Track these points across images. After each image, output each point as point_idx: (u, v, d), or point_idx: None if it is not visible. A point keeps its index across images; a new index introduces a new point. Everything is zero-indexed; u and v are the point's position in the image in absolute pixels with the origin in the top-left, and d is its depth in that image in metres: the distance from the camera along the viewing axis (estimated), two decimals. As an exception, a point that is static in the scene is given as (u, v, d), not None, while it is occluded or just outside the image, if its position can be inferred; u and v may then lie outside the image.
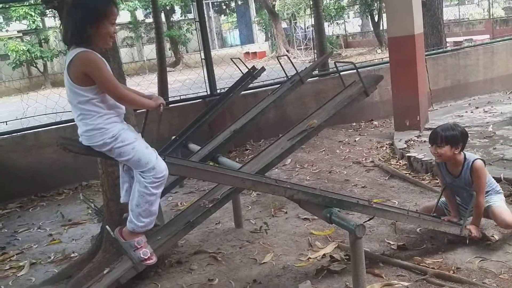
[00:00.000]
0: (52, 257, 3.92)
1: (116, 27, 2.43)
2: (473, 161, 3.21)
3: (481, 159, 3.25)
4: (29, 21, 21.26)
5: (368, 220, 3.26)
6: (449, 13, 21.69)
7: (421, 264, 3.05)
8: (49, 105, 6.83)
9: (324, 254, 3.36)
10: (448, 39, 10.68)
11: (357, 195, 4.23)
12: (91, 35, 2.23)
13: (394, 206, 3.16)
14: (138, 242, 2.47)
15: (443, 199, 3.48)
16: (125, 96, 2.27)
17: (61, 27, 2.30)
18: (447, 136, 3.17)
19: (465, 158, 3.26)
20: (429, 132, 5.93)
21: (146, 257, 2.47)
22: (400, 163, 5.27)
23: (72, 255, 3.89)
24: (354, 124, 7.44)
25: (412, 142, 5.69)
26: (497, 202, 3.27)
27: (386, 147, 5.99)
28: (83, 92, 2.23)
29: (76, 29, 2.22)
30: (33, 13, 20.83)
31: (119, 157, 2.33)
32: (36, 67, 22.54)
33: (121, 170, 2.59)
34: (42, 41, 22.63)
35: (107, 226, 2.67)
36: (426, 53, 6.71)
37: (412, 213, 3.15)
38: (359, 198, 3.13)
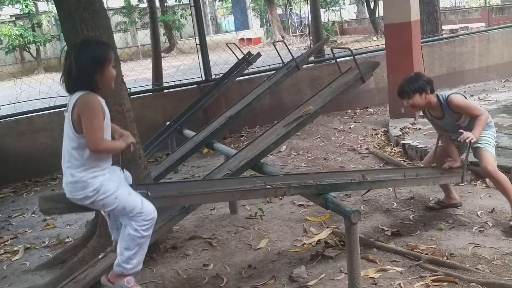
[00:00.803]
0: (47, 242, 3.91)
1: (110, 12, 2.42)
2: (447, 98, 3.27)
3: (456, 92, 3.32)
4: (22, 6, 20.99)
5: (366, 193, 3.26)
6: (445, 0, 21.60)
7: (415, 250, 3.07)
8: (43, 90, 6.78)
9: (318, 240, 3.37)
10: (444, 27, 10.67)
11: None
12: (97, 81, 2.25)
13: (387, 176, 3.13)
14: (127, 282, 2.41)
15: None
16: (101, 150, 2.23)
17: (62, 74, 2.27)
18: (412, 86, 3.26)
19: (438, 98, 3.32)
20: (424, 120, 5.96)
21: None
22: (395, 150, 5.28)
23: (67, 240, 3.89)
24: (350, 111, 7.44)
25: (407, 129, 5.70)
26: (487, 145, 3.28)
27: (381, 134, 6.00)
28: (76, 139, 2.23)
29: (82, 77, 2.23)
30: (25, -3, 20.58)
31: (103, 208, 2.32)
32: (29, 52, 22.30)
33: (105, 214, 2.57)
34: (35, 25, 22.37)
35: (102, 211, 2.66)
36: (422, 40, 6.70)
37: (408, 176, 3.14)
38: (353, 172, 3.14)
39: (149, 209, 2.33)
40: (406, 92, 3.28)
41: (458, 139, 3.18)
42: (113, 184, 2.29)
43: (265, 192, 2.68)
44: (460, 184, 4.03)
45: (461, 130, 3.17)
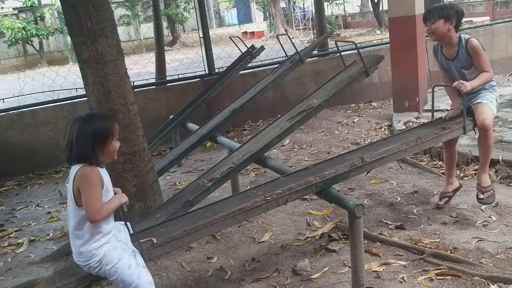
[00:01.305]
0: (51, 235, 3.93)
1: (113, 5, 2.39)
2: (468, 39, 3.19)
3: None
4: (24, -2, 21.01)
5: (367, 174, 3.19)
6: (449, -6, 21.47)
7: (419, 244, 3.07)
8: (46, 82, 6.78)
9: (322, 234, 3.38)
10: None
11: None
12: (99, 155, 2.24)
13: (387, 149, 2.95)
14: None
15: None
16: (101, 218, 2.21)
17: (65, 147, 2.25)
18: (440, 11, 3.16)
19: (460, 37, 3.22)
20: (428, 114, 5.94)
21: None
22: (398, 144, 5.26)
23: (71, 232, 3.90)
24: (353, 105, 7.42)
25: (410, 123, 5.68)
26: (489, 103, 3.22)
27: (385, 128, 5.98)
28: (77, 211, 2.22)
29: (84, 153, 2.20)
30: (28, -10, 20.57)
31: (107, 277, 2.34)
32: (31, 45, 22.32)
33: None
34: (38, 18, 22.36)
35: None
36: (426, 34, 6.66)
37: (409, 143, 3.01)
38: (351, 153, 3.08)
39: (145, 283, 2.33)
40: (431, 14, 3.16)
41: (454, 85, 3.15)
42: (115, 255, 2.30)
43: (267, 205, 2.60)
44: (464, 178, 4.03)
45: (456, 82, 3.14)
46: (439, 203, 3.61)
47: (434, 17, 3.16)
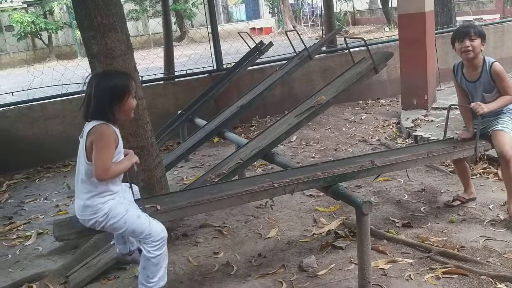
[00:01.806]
0: (59, 228, 3.95)
1: (122, 0, 2.40)
2: (493, 62, 3.16)
3: None
4: (34, -8, 21.09)
5: (375, 178, 3.21)
6: (459, -9, 21.33)
7: (426, 242, 3.06)
8: (55, 76, 6.81)
9: (329, 230, 3.37)
10: (458, 18, 10.54)
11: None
12: (115, 113, 2.28)
13: (398, 157, 3.01)
14: None
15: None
16: (107, 178, 2.25)
17: (82, 102, 2.30)
18: (479, 30, 3.14)
19: (484, 59, 3.20)
20: (436, 112, 5.94)
21: None
22: (406, 142, 5.25)
23: (79, 226, 3.93)
24: (361, 102, 7.40)
25: (419, 121, 5.66)
26: (508, 130, 3.18)
27: (393, 125, 5.96)
28: (88, 166, 2.26)
29: (101, 109, 2.25)
30: (37, -16, 20.65)
31: (113, 231, 2.36)
32: (40, 39, 22.41)
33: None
34: (47, 12, 22.44)
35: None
36: (436, 31, 6.62)
37: (420, 155, 3.05)
38: (362, 157, 3.10)
39: (157, 230, 2.35)
40: (472, 32, 3.12)
41: (469, 106, 3.15)
42: (122, 208, 2.33)
43: (274, 191, 2.64)
44: (472, 176, 4.01)
45: (473, 103, 3.12)
46: (453, 203, 3.59)
47: (475, 34, 3.12)
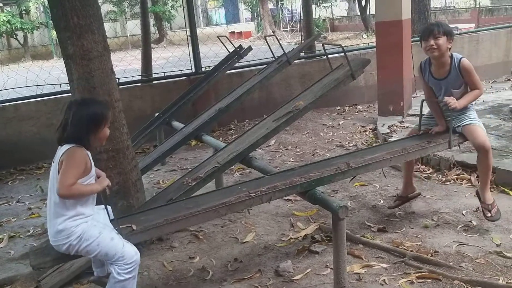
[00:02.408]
0: (31, 231, 3.87)
1: (100, 1, 2.42)
2: (461, 58, 3.20)
3: None
4: (10, -9, 20.70)
5: (351, 180, 3.23)
6: (436, 0, 21.76)
7: (400, 247, 3.10)
8: (30, 77, 6.68)
9: (305, 235, 3.39)
10: (434, 27, 10.70)
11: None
12: (91, 139, 2.32)
13: (373, 157, 3.02)
14: None
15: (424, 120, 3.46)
16: (69, 195, 2.23)
17: (58, 126, 2.32)
18: (444, 28, 3.17)
19: (451, 56, 3.23)
20: (412, 118, 6.02)
21: None
22: (382, 147, 5.30)
23: (52, 229, 3.85)
24: (339, 107, 7.46)
25: (395, 127, 5.74)
26: (477, 122, 3.24)
27: (369, 131, 6.03)
28: None
29: (78, 134, 2.27)
30: (14, -17, 20.28)
31: (87, 254, 2.34)
32: (16, 38, 21.99)
33: None
34: (23, 12, 22.04)
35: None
36: (412, 39, 6.73)
37: (394, 153, 3.06)
38: (338, 158, 3.11)
39: (130, 253, 2.33)
40: (437, 29, 3.14)
41: (442, 101, 3.19)
42: (95, 230, 2.31)
43: (251, 201, 2.62)
44: (446, 182, 4.08)
45: (446, 97, 3.16)
46: (394, 204, 3.69)
47: (440, 32, 3.14)
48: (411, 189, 3.68)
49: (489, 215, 3.24)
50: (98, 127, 2.33)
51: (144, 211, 2.65)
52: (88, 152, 2.33)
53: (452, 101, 3.09)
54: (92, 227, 2.31)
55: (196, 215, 2.50)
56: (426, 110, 3.50)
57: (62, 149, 2.28)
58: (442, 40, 3.15)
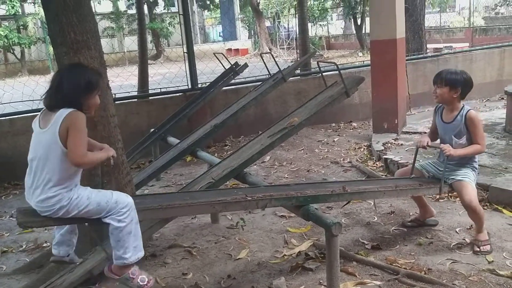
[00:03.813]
0: (24, 246, 3.85)
1: (97, 17, 2.48)
2: (469, 110, 3.24)
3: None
4: (8, 6, 20.76)
5: (346, 204, 3.29)
6: (430, 19, 22.02)
7: (394, 264, 3.10)
8: (26, 92, 6.69)
9: (299, 252, 3.38)
10: (428, 45, 10.84)
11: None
12: (82, 104, 2.33)
13: (367, 187, 3.14)
14: (132, 273, 2.45)
15: (420, 162, 3.53)
16: (85, 163, 2.30)
17: (48, 90, 2.34)
18: (448, 78, 3.23)
19: (463, 107, 3.28)
20: (406, 136, 6.07)
21: (145, 283, 2.48)
22: (377, 164, 5.33)
23: (44, 244, 3.83)
24: (334, 124, 7.50)
25: (389, 144, 5.77)
26: (470, 180, 3.25)
27: (364, 148, 6.05)
28: (63, 153, 2.25)
29: (73, 98, 2.29)
30: (12, -2, 20.37)
31: (79, 212, 2.32)
32: (13, 53, 22.04)
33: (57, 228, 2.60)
34: (21, 27, 22.12)
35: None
36: (407, 58, 6.81)
37: (388, 187, 3.16)
38: (334, 183, 3.17)
39: (121, 197, 2.37)
40: (440, 78, 3.25)
41: (439, 147, 3.25)
42: (82, 188, 2.37)
43: (247, 204, 2.67)
44: (440, 200, 4.10)
45: (442, 145, 3.23)
46: (407, 222, 3.71)
47: (441, 83, 3.24)
48: (429, 214, 3.67)
49: (477, 250, 3.22)
50: (91, 92, 2.34)
51: (140, 195, 2.68)
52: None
53: (447, 148, 3.16)
54: (80, 187, 2.36)
55: (191, 205, 2.55)
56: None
57: (58, 114, 2.25)
58: (443, 91, 3.25)
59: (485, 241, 3.24)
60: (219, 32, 31.96)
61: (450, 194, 4.14)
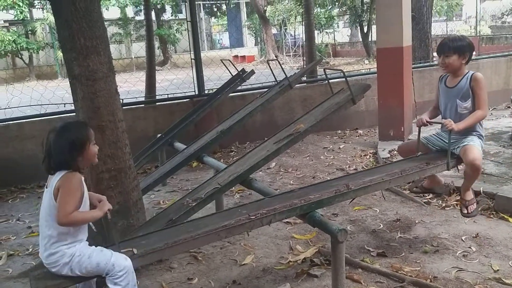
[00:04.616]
0: (30, 250, 3.87)
1: (106, 23, 2.49)
2: (474, 73, 3.22)
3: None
4: (16, 11, 20.96)
5: (351, 201, 3.27)
6: (437, 28, 22.01)
7: (399, 272, 3.09)
8: (34, 96, 6.76)
9: (304, 258, 3.38)
10: (435, 54, 10.83)
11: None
12: (79, 162, 2.37)
13: (372, 179, 3.06)
14: None
15: (425, 135, 3.49)
16: (68, 223, 2.29)
17: (44, 159, 2.37)
18: (455, 46, 3.19)
19: (468, 71, 3.27)
20: (412, 143, 6.01)
21: None
22: (382, 172, 5.32)
23: (51, 248, 3.85)
24: (339, 131, 7.51)
25: (395, 152, 5.75)
26: (476, 144, 3.21)
27: (370, 155, 6.05)
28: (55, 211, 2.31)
29: (63, 161, 2.33)
30: (21, 3, 20.54)
31: (81, 271, 2.34)
32: (21, 58, 22.22)
33: None
34: (29, 32, 22.32)
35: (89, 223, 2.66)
36: (413, 66, 6.81)
37: (393, 174, 3.09)
38: (337, 180, 3.15)
39: (120, 259, 2.36)
40: (447, 47, 3.20)
41: (440, 123, 3.26)
42: (86, 246, 2.39)
43: (251, 224, 2.64)
44: (446, 208, 4.08)
45: (444, 120, 3.22)
46: (415, 188, 3.75)
47: (449, 51, 3.20)
48: (436, 182, 3.64)
49: (465, 211, 3.25)
50: (82, 150, 2.36)
51: (144, 235, 2.67)
52: (81, 176, 2.38)
53: (449, 123, 3.13)
54: (84, 246, 2.38)
55: (197, 238, 2.52)
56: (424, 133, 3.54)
57: (55, 176, 2.32)
58: (452, 59, 3.21)
59: (471, 200, 3.26)
60: (218, 40, 32.20)
61: (456, 201, 4.14)
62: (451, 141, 3.23)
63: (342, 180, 3.13)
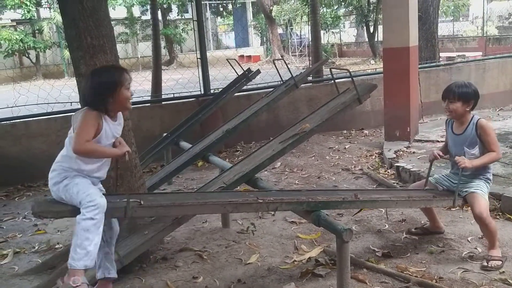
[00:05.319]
0: (36, 247, 3.89)
1: (112, 22, 2.59)
2: (479, 119, 3.21)
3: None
4: (23, 11, 21.05)
5: (357, 213, 3.30)
6: (443, 28, 21.95)
7: (405, 272, 3.08)
8: (41, 95, 6.79)
9: (309, 258, 3.38)
10: (441, 54, 10.80)
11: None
12: (110, 103, 2.48)
13: (380, 196, 3.16)
14: (74, 281, 2.31)
15: (435, 175, 3.51)
16: (83, 151, 2.40)
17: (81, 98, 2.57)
18: (460, 92, 3.19)
19: (472, 117, 3.26)
20: (418, 144, 6.04)
21: None
22: (388, 172, 5.32)
23: (57, 246, 3.87)
24: (345, 131, 7.49)
25: (401, 152, 5.75)
26: (482, 193, 3.20)
27: (375, 156, 6.04)
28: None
29: (93, 102, 2.46)
30: (28, 3, 20.63)
31: (66, 195, 2.45)
32: (28, 57, 22.33)
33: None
34: (36, 31, 22.43)
35: None
36: (420, 66, 6.79)
37: (400, 197, 3.17)
38: (346, 191, 3.18)
39: (95, 193, 2.42)
40: (452, 93, 3.20)
41: (453, 160, 3.23)
42: (80, 177, 2.49)
43: (257, 206, 2.69)
44: (451, 209, 4.07)
45: (457, 157, 3.19)
46: (413, 230, 3.71)
47: (454, 97, 3.20)
48: (437, 229, 3.66)
49: (485, 264, 3.12)
50: (112, 93, 2.45)
51: (153, 193, 2.74)
52: (104, 116, 2.47)
53: (462, 160, 3.12)
54: (79, 176, 2.48)
55: (204, 205, 2.59)
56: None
57: (79, 111, 2.49)
58: (456, 105, 3.21)
59: (496, 257, 3.16)
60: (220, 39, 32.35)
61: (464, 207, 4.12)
62: (460, 182, 3.23)
63: (351, 191, 3.20)
